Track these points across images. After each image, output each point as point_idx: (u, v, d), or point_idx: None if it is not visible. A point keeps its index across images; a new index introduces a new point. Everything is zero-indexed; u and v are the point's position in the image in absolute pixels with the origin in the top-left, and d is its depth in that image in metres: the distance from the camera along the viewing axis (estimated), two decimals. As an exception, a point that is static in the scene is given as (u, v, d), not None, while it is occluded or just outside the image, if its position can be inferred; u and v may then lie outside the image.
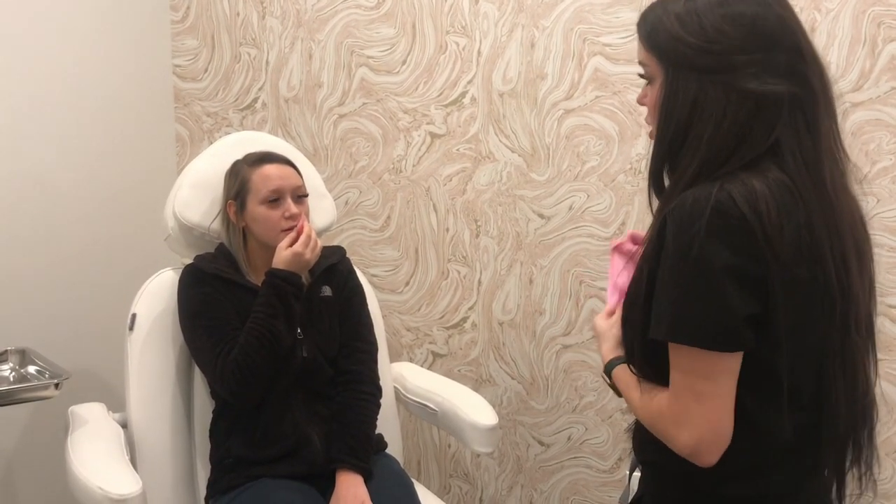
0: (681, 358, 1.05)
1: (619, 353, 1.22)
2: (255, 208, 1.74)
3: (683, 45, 1.07)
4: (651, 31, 1.12)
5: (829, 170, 1.08)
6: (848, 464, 1.16)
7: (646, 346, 1.10)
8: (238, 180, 1.76)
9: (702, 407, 1.04)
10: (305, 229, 1.71)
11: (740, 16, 1.06)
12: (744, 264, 1.01)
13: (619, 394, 1.21)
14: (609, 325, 1.27)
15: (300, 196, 1.77)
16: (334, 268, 1.85)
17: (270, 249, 1.75)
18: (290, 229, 1.72)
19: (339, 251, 1.92)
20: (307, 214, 1.78)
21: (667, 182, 1.14)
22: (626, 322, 1.16)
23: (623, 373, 1.19)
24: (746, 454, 1.08)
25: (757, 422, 1.08)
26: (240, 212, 1.76)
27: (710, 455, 1.06)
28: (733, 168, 1.05)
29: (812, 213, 1.05)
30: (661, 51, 1.10)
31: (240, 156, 1.81)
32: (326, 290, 1.82)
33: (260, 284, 1.72)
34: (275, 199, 1.73)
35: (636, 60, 1.16)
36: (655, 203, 1.14)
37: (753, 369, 1.06)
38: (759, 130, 1.05)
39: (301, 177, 1.79)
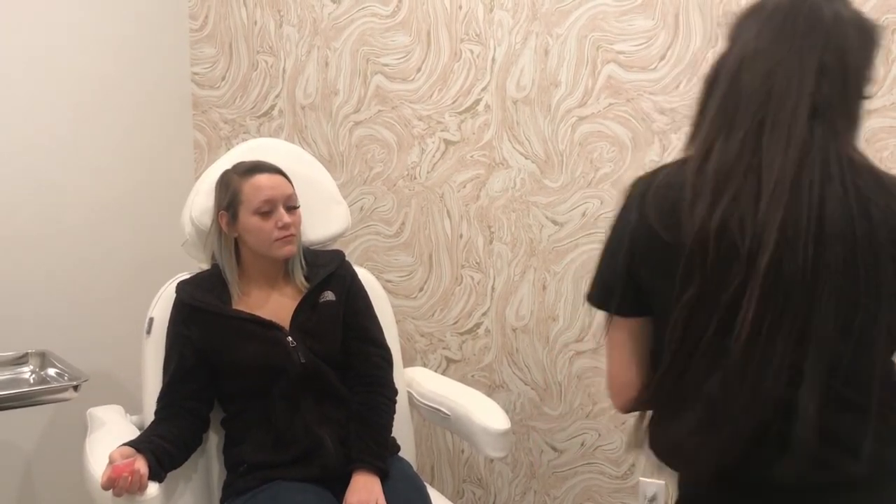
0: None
1: None
2: (248, 219, 1.73)
3: None
4: None
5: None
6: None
7: None
8: (229, 191, 1.76)
9: (607, 360, 1.19)
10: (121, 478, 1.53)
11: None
12: (645, 232, 1.07)
13: None
14: None
15: (292, 206, 1.77)
16: (335, 274, 1.85)
17: (264, 258, 1.77)
18: (283, 238, 1.74)
19: (337, 257, 1.90)
20: (299, 223, 1.78)
21: None
22: None
23: None
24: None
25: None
26: (232, 222, 1.76)
27: (613, 399, 1.19)
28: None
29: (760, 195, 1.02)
30: None
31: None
32: (328, 295, 1.82)
33: (247, 306, 1.77)
34: (267, 210, 1.73)
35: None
36: None
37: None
38: None
39: (292, 186, 1.78)
